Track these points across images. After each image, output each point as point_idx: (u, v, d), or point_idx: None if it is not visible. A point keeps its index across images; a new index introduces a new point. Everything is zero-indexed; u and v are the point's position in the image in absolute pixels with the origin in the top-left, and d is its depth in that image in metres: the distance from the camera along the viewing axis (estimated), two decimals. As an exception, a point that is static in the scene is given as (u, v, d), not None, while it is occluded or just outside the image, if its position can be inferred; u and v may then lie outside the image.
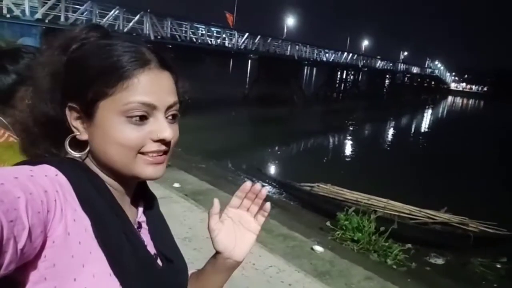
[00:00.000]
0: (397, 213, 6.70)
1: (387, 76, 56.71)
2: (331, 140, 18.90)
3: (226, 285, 0.78)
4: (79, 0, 15.47)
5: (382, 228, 5.28)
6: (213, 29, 23.08)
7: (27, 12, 13.44)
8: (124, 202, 0.66)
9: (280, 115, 22.89)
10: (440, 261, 5.94)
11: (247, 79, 40.17)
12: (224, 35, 23.58)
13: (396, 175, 10.66)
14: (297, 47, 30.22)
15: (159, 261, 0.67)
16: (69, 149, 0.62)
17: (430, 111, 46.28)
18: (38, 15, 13.77)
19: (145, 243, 0.66)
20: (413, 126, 29.60)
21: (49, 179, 0.52)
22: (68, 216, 0.53)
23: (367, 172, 10.72)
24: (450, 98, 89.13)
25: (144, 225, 0.70)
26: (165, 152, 0.63)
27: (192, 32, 21.29)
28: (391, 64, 54.08)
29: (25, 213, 0.45)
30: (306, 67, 46.68)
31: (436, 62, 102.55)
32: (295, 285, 3.28)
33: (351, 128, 22.30)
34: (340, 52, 38.15)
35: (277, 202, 7.16)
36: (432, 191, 9.12)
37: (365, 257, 4.80)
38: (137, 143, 0.59)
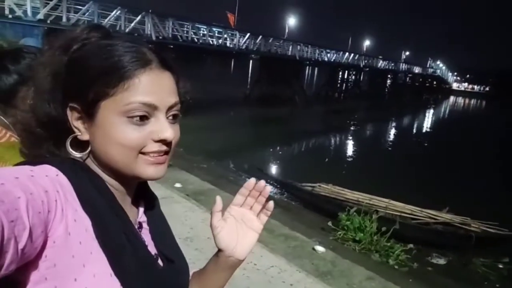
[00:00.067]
0: (399, 213, 6.70)
1: (389, 76, 56.60)
2: (332, 140, 18.89)
3: (227, 285, 0.78)
4: (81, 0, 15.50)
5: (383, 228, 5.28)
6: (214, 29, 23.08)
7: (29, 12, 13.47)
8: (125, 202, 0.66)
9: (282, 115, 22.89)
10: (442, 261, 5.93)
11: (249, 79, 40.16)
12: (225, 35, 23.55)
13: (397, 175, 10.65)
14: (298, 47, 30.19)
15: (160, 261, 0.67)
16: (70, 150, 0.62)
17: (432, 111, 46.22)
18: (40, 16, 13.79)
19: (146, 243, 0.66)
20: (415, 126, 29.57)
21: (49, 179, 0.52)
22: (69, 216, 0.53)
23: (369, 172, 10.71)
24: (452, 98, 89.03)
25: (145, 225, 0.70)
26: (166, 152, 0.63)
27: (193, 32, 21.28)
28: (392, 64, 53.95)
29: (25, 213, 0.45)
30: (307, 67, 46.67)
31: (438, 62, 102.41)
32: (296, 285, 3.27)
33: (352, 128, 22.29)
34: (341, 52, 38.09)
35: (279, 202, 7.16)
36: (434, 191, 9.11)
37: (367, 257, 4.80)
38: (138, 143, 0.59)
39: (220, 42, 23.20)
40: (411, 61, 73.49)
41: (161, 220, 0.75)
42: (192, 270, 0.78)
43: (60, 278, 0.52)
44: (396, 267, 4.90)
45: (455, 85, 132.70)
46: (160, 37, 18.71)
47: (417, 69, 69.02)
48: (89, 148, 0.62)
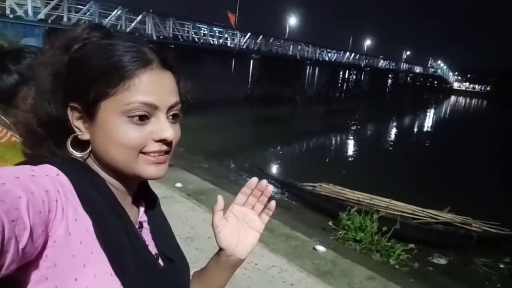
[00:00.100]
0: (400, 213, 6.69)
1: (390, 75, 56.55)
2: (333, 140, 18.89)
3: (228, 285, 0.78)
4: (81, 0, 15.51)
5: (384, 228, 5.27)
6: (215, 29, 23.10)
7: (30, 12, 13.50)
8: (126, 202, 0.66)
9: (282, 115, 22.90)
10: (442, 261, 5.93)
11: (249, 79, 40.16)
12: (226, 35, 23.57)
13: (398, 175, 10.65)
14: (299, 46, 30.18)
15: (160, 261, 0.67)
16: (71, 149, 0.62)
17: (432, 110, 46.18)
18: (41, 16, 13.82)
19: (147, 243, 0.66)
20: (416, 126, 29.54)
21: (50, 179, 0.52)
22: (69, 216, 0.53)
23: (369, 172, 10.70)
24: (453, 98, 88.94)
25: (145, 224, 0.70)
26: (166, 152, 0.62)
27: (194, 32, 21.31)
28: (393, 64, 53.91)
29: (26, 213, 0.45)
30: (308, 67, 46.69)
31: (439, 62, 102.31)
32: (297, 285, 3.27)
33: (353, 128, 22.27)
34: (342, 52, 38.09)
35: (279, 202, 7.16)
36: (435, 191, 9.10)
37: (368, 257, 4.80)
38: (138, 143, 0.59)
39: (221, 42, 23.22)
40: (412, 61, 73.55)
41: (161, 219, 0.75)
42: (192, 270, 0.78)
43: (61, 278, 0.52)
44: (397, 267, 4.90)
45: (456, 85, 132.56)
46: (161, 37, 18.74)
47: (418, 69, 68.97)
48: (90, 148, 0.62)
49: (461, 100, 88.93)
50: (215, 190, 5.72)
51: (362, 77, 47.55)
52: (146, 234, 0.68)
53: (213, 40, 22.80)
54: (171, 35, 19.75)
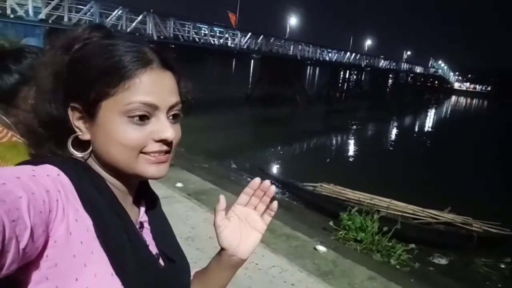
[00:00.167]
0: (400, 213, 6.69)
1: (390, 75, 56.48)
2: (334, 140, 18.88)
3: (229, 285, 0.78)
4: (82, 0, 15.53)
5: (385, 228, 5.27)
6: (215, 29, 23.10)
7: (30, 12, 13.50)
8: (126, 202, 0.66)
9: (283, 115, 22.89)
10: (443, 261, 5.92)
11: (250, 79, 40.16)
12: (226, 35, 23.56)
13: (399, 175, 10.64)
14: (299, 46, 30.17)
15: (161, 261, 0.67)
16: (71, 149, 0.62)
17: (433, 110, 46.13)
18: (42, 16, 13.82)
19: (147, 243, 0.66)
20: (416, 125, 29.52)
21: (51, 179, 0.52)
22: (70, 216, 0.53)
23: (370, 172, 10.70)
24: (453, 98, 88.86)
25: (146, 224, 0.70)
26: (167, 152, 0.62)
27: (195, 32, 21.30)
28: (394, 64, 53.87)
29: (27, 213, 0.45)
30: (308, 67, 46.67)
31: (440, 62, 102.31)
32: (297, 285, 3.27)
33: (354, 128, 22.27)
34: (343, 52, 38.07)
35: (280, 202, 7.03)
36: (435, 191, 9.09)
37: (368, 257, 4.80)
38: (138, 143, 0.59)
39: (221, 42, 23.22)
40: (413, 61, 73.52)
41: (162, 219, 0.75)
42: (193, 270, 0.78)
43: (62, 278, 0.52)
44: (397, 267, 4.90)
45: (456, 85, 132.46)
46: (162, 37, 18.74)
47: (418, 69, 68.93)
48: (90, 148, 0.62)
49: (462, 100, 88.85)
50: (216, 190, 5.72)
51: (363, 77, 47.50)
52: (147, 234, 0.68)
53: (213, 40, 22.80)
54: (171, 35, 19.75)
